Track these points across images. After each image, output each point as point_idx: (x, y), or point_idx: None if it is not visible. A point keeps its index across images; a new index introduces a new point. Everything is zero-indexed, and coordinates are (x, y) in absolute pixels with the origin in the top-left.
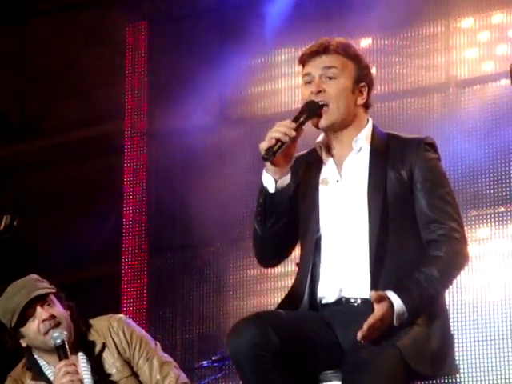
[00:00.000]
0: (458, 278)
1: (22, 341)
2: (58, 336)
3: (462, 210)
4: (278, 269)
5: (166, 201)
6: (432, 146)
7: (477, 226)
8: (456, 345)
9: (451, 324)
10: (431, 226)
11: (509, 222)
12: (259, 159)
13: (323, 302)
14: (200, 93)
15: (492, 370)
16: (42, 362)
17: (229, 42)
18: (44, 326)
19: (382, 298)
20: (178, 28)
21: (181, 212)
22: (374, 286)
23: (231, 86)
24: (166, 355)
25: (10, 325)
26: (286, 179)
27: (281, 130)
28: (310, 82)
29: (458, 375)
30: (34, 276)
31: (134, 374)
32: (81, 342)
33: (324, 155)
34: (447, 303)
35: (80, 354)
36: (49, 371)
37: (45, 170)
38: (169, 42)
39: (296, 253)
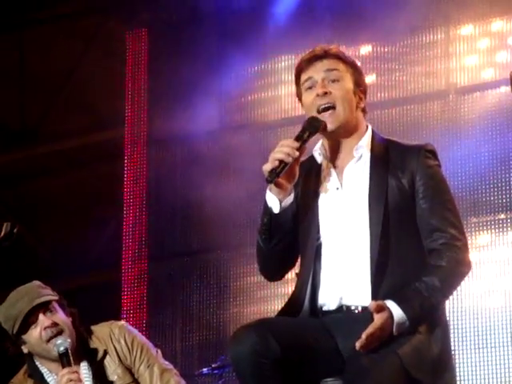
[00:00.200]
0: None
1: (23, 347)
2: (61, 343)
3: (462, 217)
4: None
5: (166, 207)
6: (432, 153)
7: (477, 232)
8: (456, 352)
9: (451, 331)
10: (433, 235)
11: (509, 228)
12: (260, 166)
13: (324, 309)
14: (200, 99)
15: (492, 377)
16: (44, 369)
17: (229, 49)
18: (46, 334)
19: (381, 308)
20: (177, 35)
21: (181, 219)
22: (375, 294)
23: (231, 92)
24: (166, 362)
25: (12, 331)
26: (290, 198)
27: (284, 150)
28: (311, 87)
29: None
30: (37, 283)
31: (135, 381)
32: (83, 349)
33: (324, 162)
34: (447, 310)
35: (83, 364)
36: (50, 378)
37: (45, 177)
38: (168, 49)
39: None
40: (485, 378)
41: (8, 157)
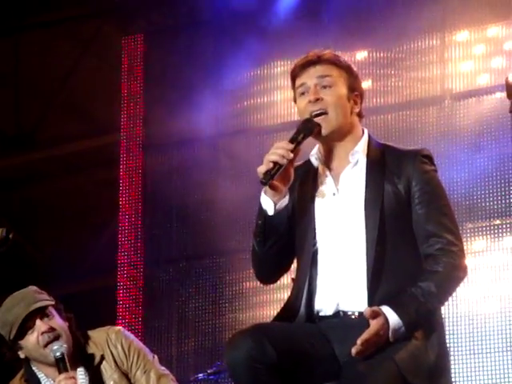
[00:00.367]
0: None
1: (20, 352)
2: (58, 349)
3: (457, 223)
4: None
5: (162, 213)
6: (428, 158)
7: (472, 238)
8: (452, 357)
9: (447, 337)
10: (429, 241)
11: (504, 234)
12: (254, 172)
13: (320, 314)
14: (196, 105)
15: (488, 383)
16: (41, 375)
17: (224, 54)
18: (43, 339)
19: (376, 314)
20: (173, 41)
21: (177, 224)
22: (371, 300)
23: (227, 98)
24: (163, 368)
25: (9, 337)
26: (285, 201)
27: (278, 152)
28: (304, 93)
29: None
30: (33, 288)
31: None
32: (79, 354)
33: (320, 167)
34: (443, 316)
35: (79, 369)
36: (47, 383)
37: (41, 183)
38: (164, 55)
39: (292, 266)
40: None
41: (3, 162)
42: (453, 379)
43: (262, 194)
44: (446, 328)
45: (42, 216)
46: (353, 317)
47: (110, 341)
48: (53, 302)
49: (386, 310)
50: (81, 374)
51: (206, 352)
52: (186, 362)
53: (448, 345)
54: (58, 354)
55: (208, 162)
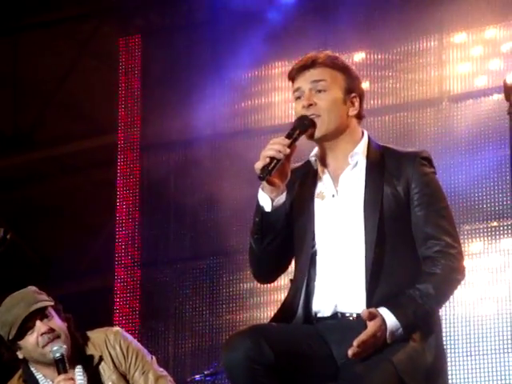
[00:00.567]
0: None
1: (19, 353)
2: (58, 350)
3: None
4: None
5: (159, 214)
6: (428, 160)
7: (470, 240)
8: (448, 359)
9: (444, 338)
10: (427, 243)
11: (501, 236)
12: (253, 173)
13: (318, 315)
14: (193, 106)
15: None
16: (39, 375)
17: (222, 55)
18: (43, 339)
19: (373, 316)
20: (171, 41)
21: (174, 225)
22: (369, 301)
23: (225, 99)
24: (161, 369)
25: (8, 337)
26: (282, 197)
27: (274, 147)
28: (300, 97)
29: None
30: (33, 288)
31: None
32: (78, 354)
33: (319, 168)
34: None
35: (78, 367)
36: None
37: (39, 183)
38: (162, 55)
39: (290, 266)
40: None
41: (1, 162)
42: (449, 381)
43: (260, 190)
44: (443, 330)
45: (39, 216)
46: (351, 318)
47: (109, 342)
48: (52, 303)
49: (384, 312)
50: (79, 373)
51: (202, 353)
52: (182, 363)
53: (445, 346)
54: (57, 354)
55: (206, 163)
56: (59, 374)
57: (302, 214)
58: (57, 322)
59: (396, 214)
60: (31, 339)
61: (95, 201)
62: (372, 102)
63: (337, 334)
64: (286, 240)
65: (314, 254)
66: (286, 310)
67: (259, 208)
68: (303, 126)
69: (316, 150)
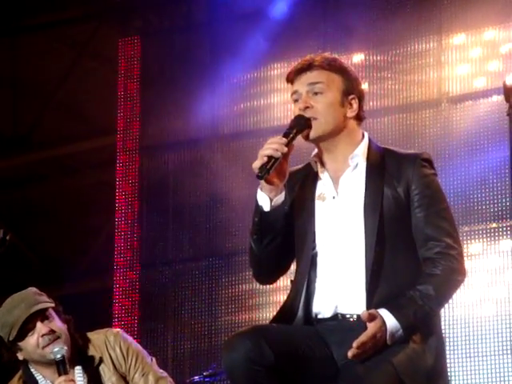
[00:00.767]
0: None
1: (19, 354)
2: (59, 351)
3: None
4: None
5: (158, 215)
6: (428, 162)
7: (469, 241)
8: (448, 361)
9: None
10: (428, 244)
11: (500, 237)
12: (251, 174)
13: (319, 317)
14: (192, 107)
15: None
16: (39, 376)
17: (221, 56)
18: (43, 341)
19: (373, 317)
20: (170, 43)
21: (173, 226)
22: (369, 303)
23: (223, 100)
24: (161, 371)
25: (8, 338)
26: (281, 197)
27: (272, 146)
28: (298, 100)
29: None
30: (33, 289)
31: None
32: (78, 356)
33: (320, 170)
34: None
35: (77, 368)
36: None
37: (38, 184)
38: (161, 57)
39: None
40: None
41: (0, 163)
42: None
43: (258, 190)
44: (443, 331)
45: (38, 217)
46: (351, 320)
47: (109, 343)
48: (53, 304)
49: (384, 313)
50: (79, 374)
51: (201, 354)
52: (181, 364)
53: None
54: (58, 356)
55: (204, 164)
56: (60, 375)
57: (302, 215)
58: (57, 324)
59: (396, 215)
60: (32, 340)
61: (94, 202)
62: (371, 103)
63: (337, 336)
64: (286, 240)
65: (315, 256)
66: (286, 311)
67: (258, 208)
68: (300, 125)
69: (316, 151)
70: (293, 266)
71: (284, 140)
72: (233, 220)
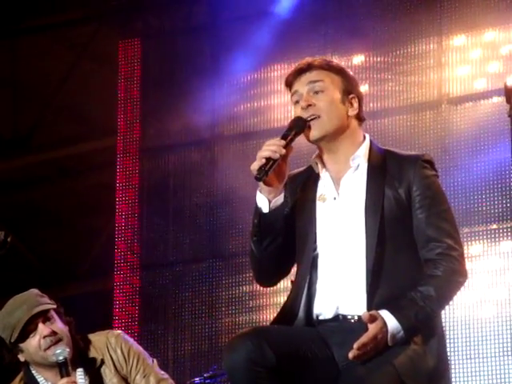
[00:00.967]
0: None
1: (20, 355)
2: (61, 353)
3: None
4: None
5: (158, 217)
6: (429, 163)
7: (469, 242)
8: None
9: None
10: (429, 245)
11: (501, 239)
12: (252, 176)
13: (320, 318)
14: (192, 109)
15: None
16: (40, 378)
17: (221, 58)
18: (45, 342)
19: (374, 318)
20: (170, 44)
21: (173, 228)
22: (370, 304)
23: (224, 102)
24: (162, 372)
25: (10, 339)
26: (280, 198)
27: (270, 148)
28: (298, 101)
29: None
30: (35, 291)
31: None
32: (80, 358)
33: (321, 171)
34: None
35: (78, 370)
36: None
37: (38, 186)
38: (161, 59)
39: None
40: None
41: (0, 165)
42: None
43: (258, 192)
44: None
45: (39, 219)
46: (352, 321)
47: (110, 345)
48: (54, 306)
49: (385, 314)
50: (80, 376)
51: (202, 356)
52: (182, 365)
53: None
54: (60, 357)
55: (205, 166)
56: (62, 377)
57: (303, 216)
58: (59, 325)
59: (397, 216)
60: (33, 342)
61: (95, 204)
62: (371, 104)
63: (338, 337)
64: (286, 242)
65: (316, 257)
66: (287, 313)
67: (257, 209)
68: (299, 126)
69: (317, 153)
70: (293, 268)
71: (282, 142)
72: (233, 222)
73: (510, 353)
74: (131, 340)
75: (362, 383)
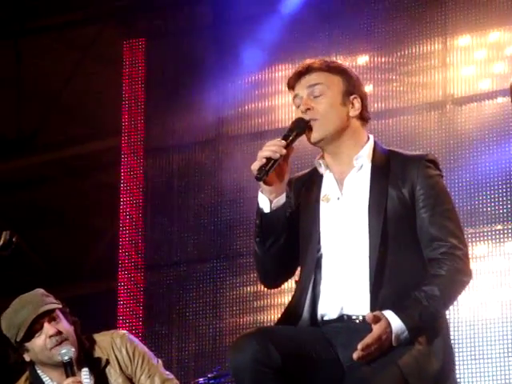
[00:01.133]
0: None
1: (25, 355)
2: (66, 353)
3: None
4: None
5: (163, 217)
6: (433, 163)
7: (474, 243)
8: None
9: None
10: (433, 245)
11: (506, 239)
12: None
13: (325, 318)
14: (197, 109)
15: None
16: (46, 378)
17: (225, 58)
18: (51, 342)
19: (378, 319)
20: (174, 45)
21: (177, 228)
22: (373, 303)
23: (228, 102)
24: (167, 372)
25: (16, 339)
26: (281, 199)
27: (270, 148)
28: (299, 104)
29: None
30: (40, 290)
31: None
32: (85, 357)
33: (325, 172)
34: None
35: (84, 369)
36: None
37: (42, 186)
38: (166, 59)
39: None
40: None
41: (4, 166)
42: None
43: (259, 192)
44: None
45: (43, 219)
46: (357, 321)
47: (115, 345)
48: (60, 306)
49: (389, 315)
50: (85, 376)
51: (206, 356)
52: (186, 366)
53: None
54: (66, 357)
55: (209, 166)
56: (67, 376)
57: (308, 217)
58: (64, 325)
59: (401, 216)
60: (39, 341)
61: (99, 203)
62: (376, 105)
63: (343, 337)
64: (290, 243)
65: (320, 257)
66: (292, 313)
67: (258, 210)
68: (300, 127)
69: (321, 154)
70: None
71: (283, 142)
72: (238, 222)
73: None
74: (136, 340)
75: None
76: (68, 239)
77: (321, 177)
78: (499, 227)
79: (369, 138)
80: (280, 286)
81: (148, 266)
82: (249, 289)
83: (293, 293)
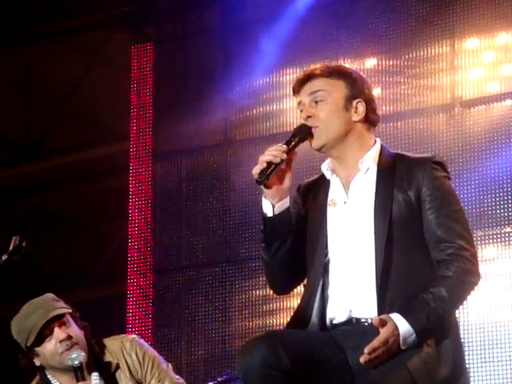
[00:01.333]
0: None
1: (36, 360)
2: (76, 357)
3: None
4: None
5: (171, 221)
6: (440, 165)
7: (483, 246)
8: None
9: None
10: (440, 246)
11: None
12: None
13: (334, 322)
14: (205, 113)
15: None
16: (56, 383)
17: (233, 62)
18: (61, 347)
19: (385, 322)
20: (182, 49)
21: (186, 232)
22: (380, 306)
23: (236, 106)
24: (177, 377)
25: (26, 344)
26: (285, 203)
27: (272, 153)
28: (303, 111)
29: None
30: (50, 295)
31: None
32: (95, 362)
33: (331, 176)
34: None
35: (94, 374)
36: None
37: (50, 191)
38: (174, 63)
39: None
40: None
41: (13, 171)
42: None
43: (263, 198)
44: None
45: (51, 224)
46: (366, 324)
47: (125, 349)
48: (70, 310)
49: (396, 318)
50: (95, 381)
51: (215, 360)
52: (195, 370)
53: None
54: (76, 362)
55: (217, 170)
56: (77, 381)
57: (314, 221)
58: (75, 330)
59: (407, 218)
60: (49, 346)
61: (107, 208)
62: (384, 108)
63: (352, 340)
64: (297, 248)
65: (328, 261)
66: (301, 317)
67: (262, 215)
68: (302, 133)
69: (327, 160)
70: None
71: (284, 147)
72: (246, 226)
73: None
74: (146, 344)
75: None
76: (77, 244)
77: (328, 182)
78: (508, 230)
79: (375, 142)
80: (290, 291)
81: (157, 270)
82: (258, 292)
83: (301, 296)
